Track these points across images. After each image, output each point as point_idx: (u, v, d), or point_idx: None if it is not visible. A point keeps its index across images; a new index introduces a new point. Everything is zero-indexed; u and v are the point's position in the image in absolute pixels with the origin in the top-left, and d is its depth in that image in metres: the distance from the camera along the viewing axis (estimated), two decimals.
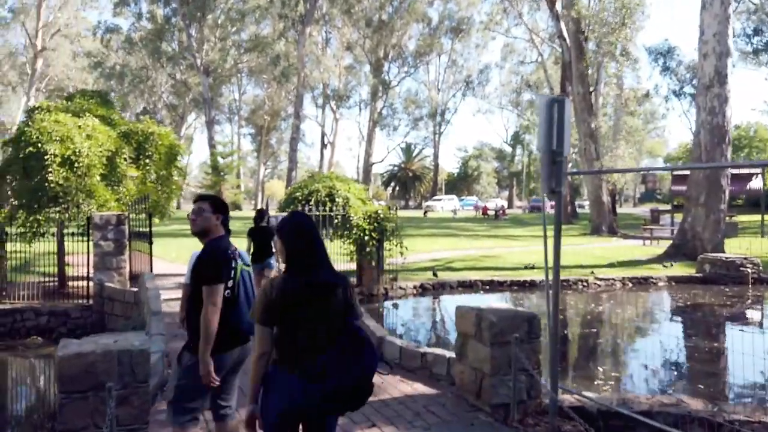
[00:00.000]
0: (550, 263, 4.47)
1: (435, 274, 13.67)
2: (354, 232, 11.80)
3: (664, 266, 15.98)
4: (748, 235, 22.18)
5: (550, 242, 4.45)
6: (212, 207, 3.35)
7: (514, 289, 13.50)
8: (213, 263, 3.19)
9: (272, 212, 13.31)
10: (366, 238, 11.82)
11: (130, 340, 3.53)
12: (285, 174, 45.83)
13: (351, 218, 11.91)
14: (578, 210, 44.25)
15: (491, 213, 43.86)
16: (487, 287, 13.56)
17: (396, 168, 74.87)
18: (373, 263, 12.11)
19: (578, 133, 29.80)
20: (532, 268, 15.57)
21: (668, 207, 46.43)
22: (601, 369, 7.62)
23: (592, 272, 14.73)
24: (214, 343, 3.09)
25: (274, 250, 8.70)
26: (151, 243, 9.07)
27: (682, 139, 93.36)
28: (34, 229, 9.50)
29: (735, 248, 17.58)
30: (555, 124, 4.18)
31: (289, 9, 44.81)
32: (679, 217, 40.04)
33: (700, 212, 16.98)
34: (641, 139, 57.95)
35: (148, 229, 9.17)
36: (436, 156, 70.81)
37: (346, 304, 2.54)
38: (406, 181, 73.80)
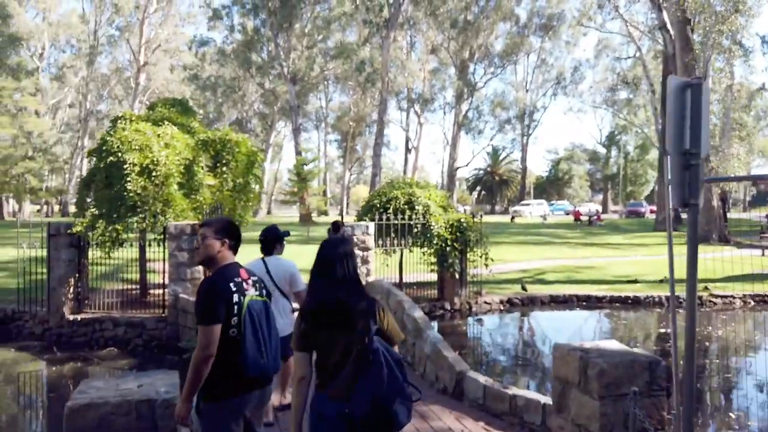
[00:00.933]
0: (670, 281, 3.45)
1: (524, 288, 12.57)
2: (435, 242, 10.99)
3: None
4: None
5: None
6: (215, 232, 2.98)
7: (615, 306, 12.12)
8: (205, 300, 2.82)
9: (351, 220, 12.79)
10: (447, 248, 10.99)
11: (157, 385, 2.97)
12: (370, 179, 45.80)
13: (431, 227, 11.12)
14: (681, 215, 40.78)
15: (585, 218, 41.33)
16: (584, 303, 12.28)
17: (482, 172, 73.12)
18: (456, 275, 11.25)
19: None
20: (635, 282, 14.04)
21: None
22: (735, 415, 6.35)
23: (706, 288, 13.04)
24: (218, 387, 2.79)
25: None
26: None
27: None
28: (114, 238, 9.44)
29: None
30: (688, 116, 3.20)
31: (373, 14, 44.71)
32: None
33: None
34: (753, 138, 52.94)
35: None
36: (523, 159, 68.38)
37: (366, 326, 2.44)
38: (493, 186, 71.83)
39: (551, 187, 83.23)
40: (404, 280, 12.04)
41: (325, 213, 56.03)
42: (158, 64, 61.74)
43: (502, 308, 11.85)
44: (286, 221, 44.38)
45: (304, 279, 4.14)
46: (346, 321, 2.44)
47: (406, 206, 11.43)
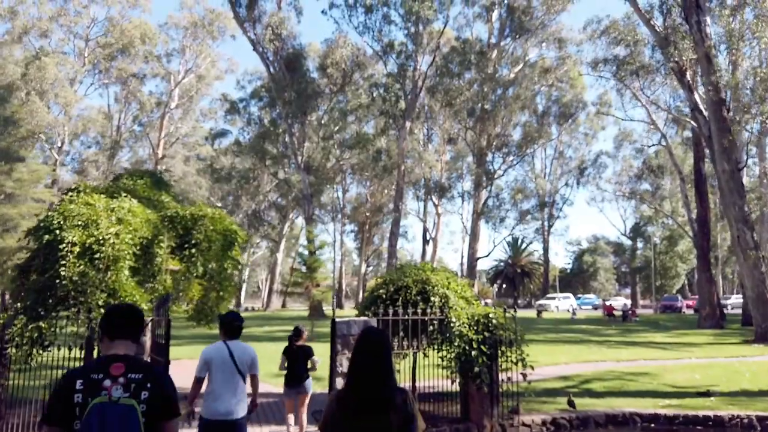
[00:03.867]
0: None
1: (572, 404, 9.86)
2: (456, 343, 8.55)
3: None
4: None
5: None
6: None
7: (692, 430, 9.30)
8: (49, 397, 2.59)
9: (351, 312, 10.42)
10: (473, 352, 8.51)
11: None
12: (385, 271, 43.68)
13: (452, 324, 8.72)
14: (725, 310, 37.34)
15: (618, 314, 38.12)
16: (651, 425, 9.49)
17: (502, 264, 70.51)
18: (484, 388, 8.67)
19: (728, 219, 24.94)
20: (708, 394, 11.21)
21: None
22: None
23: None
24: None
25: (310, 370, 7.75)
26: (167, 361, 6.38)
27: None
28: (33, 339, 7.20)
29: None
30: None
31: (390, 105, 44.48)
32: None
33: None
34: None
35: (164, 341, 6.53)
36: (546, 250, 66.02)
37: (405, 419, 2.53)
38: (514, 278, 68.84)
39: (575, 280, 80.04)
40: (418, 390, 9.48)
41: (341, 306, 53.39)
42: (176, 157, 62.22)
43: (545, 431, 9.13)
44: (294, 315, 41.78)
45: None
46: (380, 415, 2.50)
47: (418, 297, 9.11)
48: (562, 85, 45.91)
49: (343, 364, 7.56)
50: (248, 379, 5.00)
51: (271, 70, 44.07)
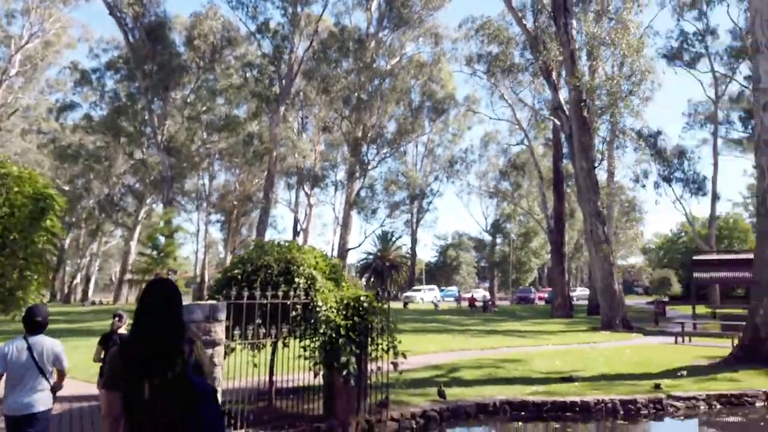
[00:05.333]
0: None
1: (442, 394, 9.26)
2: (322, 330, 7.51)
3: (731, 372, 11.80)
4: None
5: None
6: None
7: (562, 417, 9.09)
8: None
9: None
10: (341, 340, 7.52)
11: None
12: None
13: (318, 308, 7.66)
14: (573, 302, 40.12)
15: (479, 305, 39.55)
16: (522, 413, 9.15)
17: (371, 257, 70.96)
18: (351, 380, 7.71)
19: (583, 214, 26.46)
20: (572, 380, 11.24)
21: (652, 299, 43.01)
22: None
23: (658, 386, 10.46)
24: None
25: None
26: None
27: (658, 229, 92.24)
28: None
29: None
30: None
31: (263, 87, 42.32)
32: (682, 310, 36.52)
33: None
34: (631, 226, 55.41)
35: None
36: (414, 243, 67.43)
37: (193, 367, 2.76)
38: (383, 271, 69.53)
39: (440, 273, 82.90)
40: (278, 385, 8.33)
41: (202, 300, 50.20)
42: (14, 131, 54.76)
43: (415, 427, 8.39)
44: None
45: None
46: (166, 365, 2.33)
47: (281, 278, 7.94)
48: (435, 85, 46.71)
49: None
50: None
51: (131, 38, 39.98)
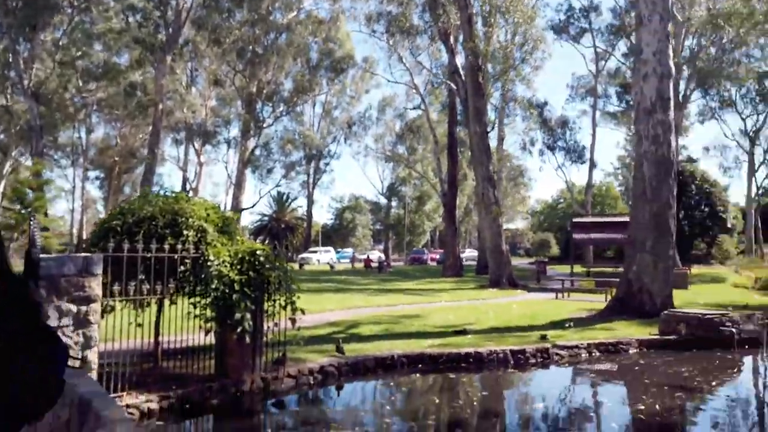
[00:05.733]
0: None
1: (340, 350, 9.10)
2: (214, 286, 7.00)
3: (603, 320, 12.77)
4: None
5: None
6: None
7: (457, 368, 9.29)
8: None
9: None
10: (235, 296, 7.06)
11: None
12: None
13: (210, 263, 7.12)
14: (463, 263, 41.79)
15: (375, 265, 40.09)
16: (419, 365, 9.24)
17: (266, 218, 69.41)
18: (246, 338, 7.31)
19: (475, 177, 27.26)
20: (465, 332, 11.55)
21: (533, 260, 45.99)
22: None
23: (544, 337, 11.01)
24: None
25: None
26: None
27: (540, 196, 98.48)
28: None
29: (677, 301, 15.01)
30: None
31: (147, 34, 39.07)
32: (560, 269, 39.32)
33: (647, 260, 14.23)
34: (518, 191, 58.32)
35: None
36: (310, 205, 66.72)
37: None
38: (278, 233, 68.32)
39: (336, 235, 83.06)
40: (165, 346, 7.73)
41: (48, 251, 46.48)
42: None
43: (313, 382, 8.17)
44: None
45: None
46: None
47: (167, 231, 7.28)
48: (333, 44, 45.60)
49: (52, 316, 5.46)
50: None
51: None
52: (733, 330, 11.23)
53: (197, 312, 7.16)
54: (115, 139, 55.31)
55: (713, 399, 8.09)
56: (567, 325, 12.82)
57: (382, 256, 53.81)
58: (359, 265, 46.15)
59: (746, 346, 11.25)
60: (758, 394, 8.79)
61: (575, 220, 27.92)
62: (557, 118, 46.91)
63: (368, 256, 43.60)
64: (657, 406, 7.23)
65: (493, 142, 34.99)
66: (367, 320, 13.28)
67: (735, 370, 10.04)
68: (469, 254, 55.76)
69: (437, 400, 7.66)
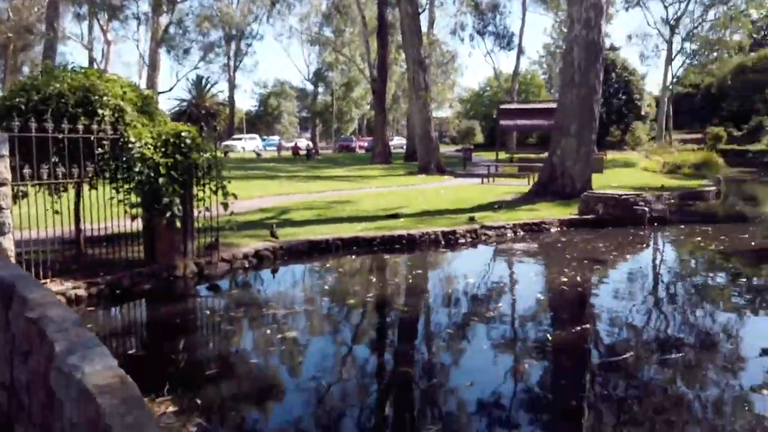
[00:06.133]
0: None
1: (274, 234, 9.03)
2: (138, 169, 6.58)
3: (530, 202, 13.37)
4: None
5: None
6: None
7: (394, 249, 9.50)
8: None
9: None
10: (161, 179, 6.69)
11: None
12: None
13: (131, 144, 6.63)
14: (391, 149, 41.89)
15: (303, 153, 39.48)
16: (353, 248, 9.37)
17: (185, 104, 65.84)
18: (177, 223, 7.05)
19: (406, 61, 26.54)
20: (397, 216, 11.75)
21: (460, 147, 46.79)
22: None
23: (473, 219, 11.39)
24: None
25: None
26: None
27: (468, 85, 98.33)
28: None
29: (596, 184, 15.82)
30: None
31: None
32: (485, 156, 40.28)
33: (571, 144, 14.69)
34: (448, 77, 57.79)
35: None
36: (231, 90, 63.67)
37: None
38: (199, 119, 65.25)
39: (261, 122, 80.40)
40: (88, 234, 7.35)
41: None
42: None
43: (248, 266, 8.13)
44: None
45: None
46: None
47: (79, 110, 6.63)
48: None
49: None
50: None
51: None
52: (645, 209, 12.04)
53: (121, 197, 6.77)
54: (7, 13, 49.33)
55: (625, 270, 8.77)
56: (497, 206, 13.32)
57: (310, 143, 53.04)
58: (287, 153, 45.32)
59: (655, 224, 12.16)
60: (662, 261, 9.59)
61: (502, 107, 28.16)
62: (488, 1, 45.79)
63: (296, 144, 42.74)
64: (578, 278, 7.77)
65: (423, 25, 33.87)
66: (298, 206, 13.20)
67: (645, 245, 10.87)
68: (397, 142, 55.85)
69: (370, 280, 7.86)
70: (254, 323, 5.88)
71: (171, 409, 3.69)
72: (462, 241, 10.20)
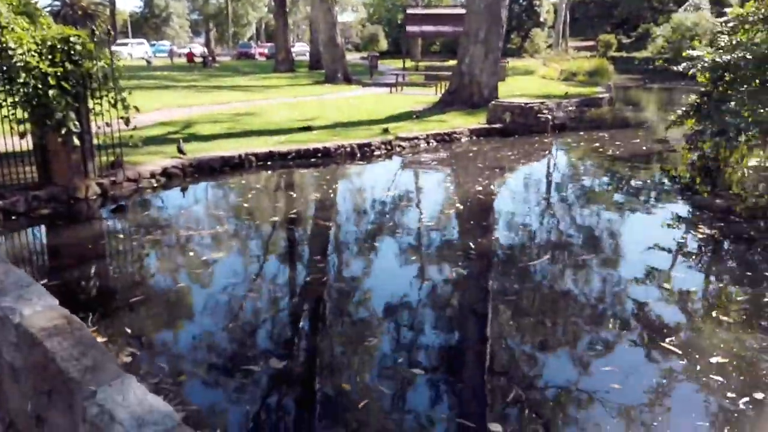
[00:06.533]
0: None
1: (181, 150, 8.51)
2: (22, 80, 5.84)
3: (436, 111, 13.52)
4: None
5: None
6: None
7: (309, 163, 9.30)
8: None
9: None
10: (51, 91, 6.01)
11: None
12: None
13: (11, 51, 5.84)
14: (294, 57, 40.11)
15: (198, 60, 36.89)
16: (268, 163, 9.08)
17: (58, 4, 58.68)
18: (73, 140, 6.43)
19: None
20: (310, 129, 11.45)
21: (365, 54, 45.68)
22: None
23: (386, 130, 11.34)
24: None
25: None
26: None
27: None
28: None
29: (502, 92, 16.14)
30: None
31: None
32: (391, 64, 39.66)
33: (479, 51, 14.72)
34: None
35: None
36: None
37: None
38: (76, 21, 58.70)
39: (148, 25, 73.71)
40: None
41: None
42: None
43: (156, 185, 7.67)
44: None
45: None
46: None
47: None
48: None
49: None
50: None
51: None
52: (549, 117, 12.53)
53: (5, 113, 6.04)
54: None
55: (535, 177, 9.22)
56: (415, 116, 13.35)
57: (206, 50, 49.58)
58: (180, 61, 42.21)
59: (557, 131, 12.74)
60: (569, 167, 10.15)
61: (409, 11, 27.50)
62: None
63: (190, 50, 39.77)
64: (492, 186, 8.07)
65: None
66: (203, 119, 12.48)
67: (550, 152, 11.39)
68: (299, 48, 53.41)
69: (289, 195, 7.72)
70: (169, 246, 5.63)
71: (100, 340, 3.52)
72: (377, 153, 10.18)
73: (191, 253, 5.30)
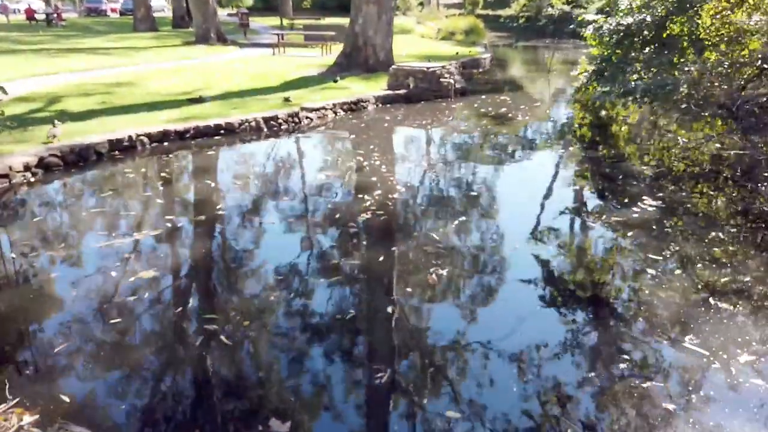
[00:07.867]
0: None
1: (54, 135, 7.13)
2: None
3: (337, 77, 12.83)
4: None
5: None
6: None
7: (212, 142, 8.25)
8: None
9: None
10: None
11: None
12: None
13: None
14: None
15: (41, 18, 32.34)
16: (164, 144, 7.92)
17: None
18: None
19: None
20: (201, 100, 10.26)
21: (233, 11, 42.86)
22: None
23: (288, 99, 10.47)
24: None
25: None
26: None
27: None
28: None
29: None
30: None
31: None
32: (261, 22, 37.49)
33: (372, 11, 14.05)
34: None
35: None
36: None
37: None
38: None
39: None
40: None
41: None
42: None
43: (33, 180, 6.35)
44: None
45: None
46: None
47: None
48: None
49: None
50: None
51: None
52: (451, 81, 12.32)
53: None
54: None
55: (449, 146, 8.96)
56: (336, 79, 12.59)
57: (49, 6, 43.60)
58: (17, 18, 36.82)
59: (459, 95, 12.58)
60: (488, 134, 10.03)
61: None
62: None
63: (29, 6, 34.63)
64: (410, 157, 7.67)
65: None
66: (70, 92, 10.74)
67: (459, 119, 11.16)
68: (156, 3, 48.71)
69: (185, 181, 6.77)
70: (66, 260, 4.61)
71: (28, 419, 2.66)
72: (285, 126, 9.33)
73: (98, 269, 4.35)
